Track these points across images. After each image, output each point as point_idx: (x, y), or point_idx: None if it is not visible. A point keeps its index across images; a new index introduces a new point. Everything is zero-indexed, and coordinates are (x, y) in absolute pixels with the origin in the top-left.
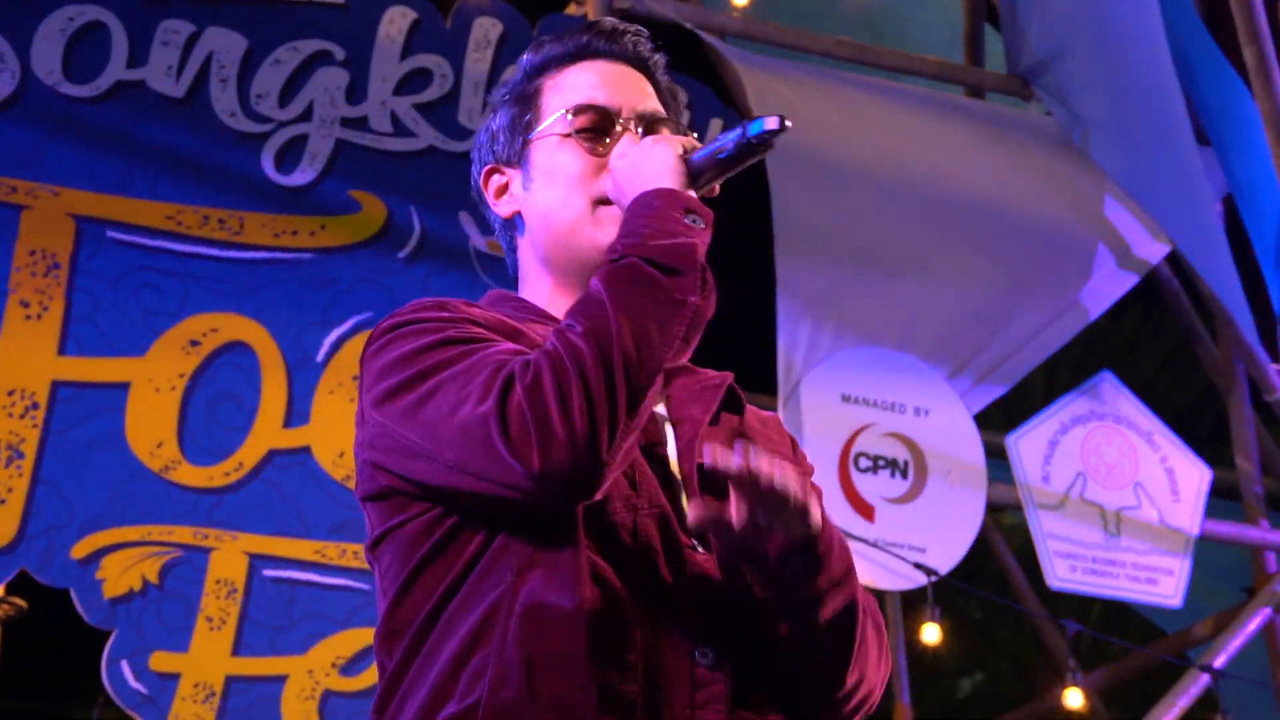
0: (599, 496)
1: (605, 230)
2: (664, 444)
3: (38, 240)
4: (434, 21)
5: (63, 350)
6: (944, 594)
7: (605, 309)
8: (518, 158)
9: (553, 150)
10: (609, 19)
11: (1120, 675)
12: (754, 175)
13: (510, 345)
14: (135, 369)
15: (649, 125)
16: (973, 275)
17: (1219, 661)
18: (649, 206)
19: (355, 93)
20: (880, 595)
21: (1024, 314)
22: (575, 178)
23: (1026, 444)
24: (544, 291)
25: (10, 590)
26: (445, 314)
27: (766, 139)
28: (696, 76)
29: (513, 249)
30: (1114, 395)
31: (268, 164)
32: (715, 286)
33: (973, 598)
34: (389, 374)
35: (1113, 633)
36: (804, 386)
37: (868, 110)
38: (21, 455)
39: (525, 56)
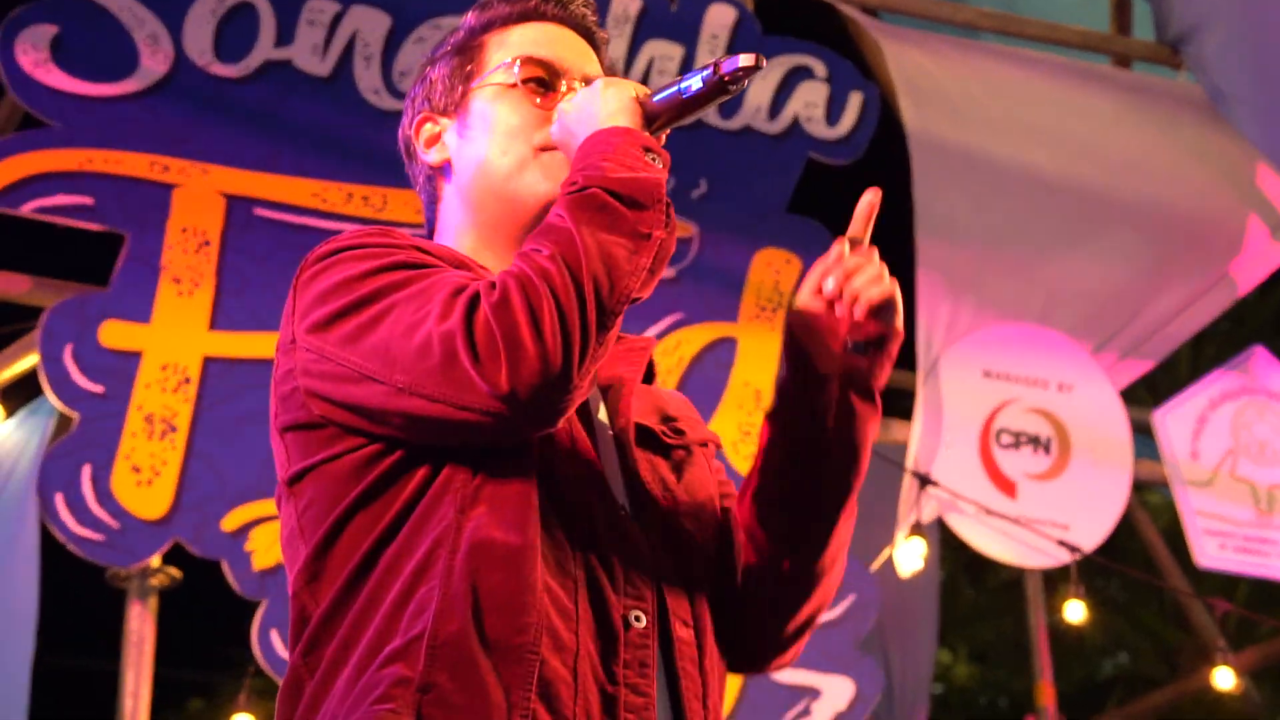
0: (560, 425)
1: (548, 177)
2: (595, 405)
3: (189, 218)
4: None
5: (214, 326)
6: (1085, 572)
7: (571, 233)
8: (455, 107)
9: (494, 99)
10: None
11: (1271, 656)
12: (893, 150)
13: (464, 272)
14: None
15: None
16: (1117, 249)
17: None
18: (606, 143)
19: None
20: (1021, 573)
21: (1171, 288)
22: (518, 126)
23: (1174, 420)
24: (467, 243)
25: (165, 561)
26: (392, 240)
27: (741, 77)
28: (836, 50)
29: (434, 201)
30: (1265, 370)
31: None
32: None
33: (1114, 576)
34: (330, 298)
35: (1263, 612)
36: (944, 362)
37: (1010, 82)
38: (174, 429)
39: (469, 16)
